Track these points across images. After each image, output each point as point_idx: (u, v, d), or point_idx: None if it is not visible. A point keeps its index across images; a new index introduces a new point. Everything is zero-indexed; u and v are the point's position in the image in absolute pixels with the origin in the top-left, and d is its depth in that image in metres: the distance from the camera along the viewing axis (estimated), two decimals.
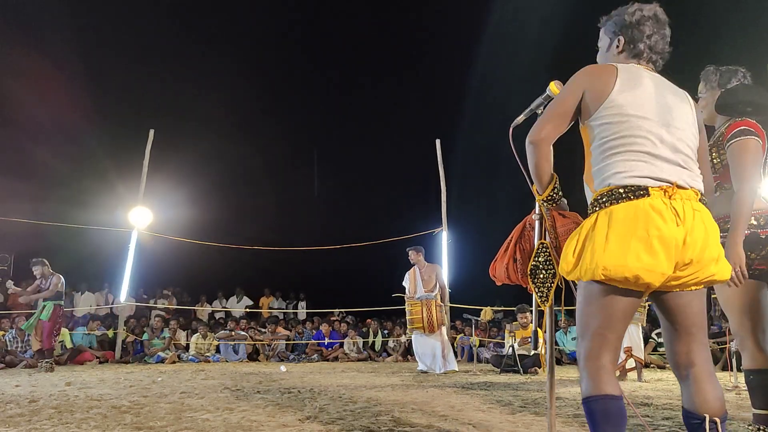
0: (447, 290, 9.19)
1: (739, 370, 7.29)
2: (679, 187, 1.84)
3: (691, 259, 1.80)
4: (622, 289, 1.82)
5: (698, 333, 1.92)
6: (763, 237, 2.60)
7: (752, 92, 2.81)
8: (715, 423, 1.80)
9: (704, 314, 1.93)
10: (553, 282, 2.26)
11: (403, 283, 8.74)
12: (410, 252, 8.74)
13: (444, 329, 8.56)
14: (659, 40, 2.08)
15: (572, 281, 2.07)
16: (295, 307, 15.52)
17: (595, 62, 2.23)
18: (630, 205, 1.82)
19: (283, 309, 15.26)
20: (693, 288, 1.89)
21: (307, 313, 14.63)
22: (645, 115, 1.90)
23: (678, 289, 1.89)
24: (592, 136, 1.98)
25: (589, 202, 2.01)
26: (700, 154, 2.05)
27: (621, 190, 1.84)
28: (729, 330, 8.11)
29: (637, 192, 1.82)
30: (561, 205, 2.21)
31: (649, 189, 1.82)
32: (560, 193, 2.15)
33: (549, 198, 2.13)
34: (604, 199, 1.88)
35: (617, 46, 2.12)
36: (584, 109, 1.97)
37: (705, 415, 1.82)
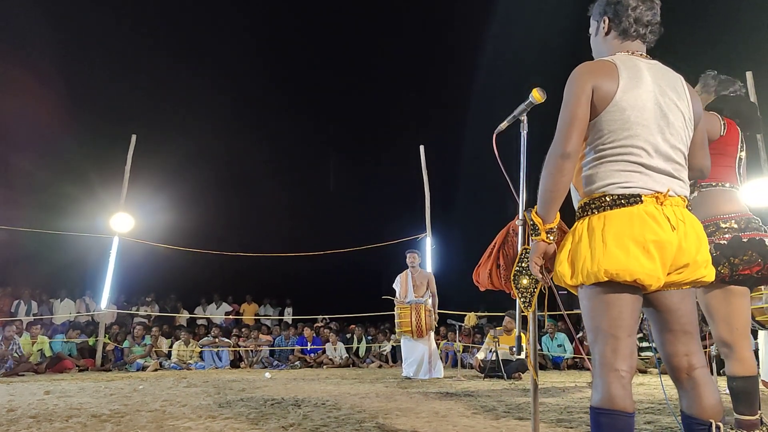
0: (437, 298, 9.14)
1: (719, 374, 7.37)
2: (670, 195, 1.86)
3: (687, 263, 1.83)
4: (625, 286, 1.80)
5: (695, 333, 1.90)
6: (745, 240, 2.58)
7: (744, 104, 2.89)
8: (719, 428, 1.80)
9: (696, 315, 1.92)
10: (536, 287, 2.24)
11: (394, 286, 8.74)
12: (409, 255, 8.76)
13: (432, 335, 8.55)
14: (645, 11, 2.01)
15: (554, 286, 2.05)
16: (282, 313, 15.45)
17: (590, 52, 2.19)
18: (624, 211, 1.82)
19: (269, 315, 15.17)
20: (684, 287, 1.91)
21: (291, 319, 14.56)
22: (645, 123, 1.87)
23: (670, 289, 1.90)
24: (589, 136, 1.93)
25: (576, 205, 1.99)
26: (696, 143, 2.06)
27: (615, 197, 1.85)
28: (709, 334, 8.20)
29: (631, 199, 1.83)
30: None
31: (642, 196, 1.83)
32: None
33: (551, 230, 1.96)
34: (596, 205, 1.88)
35: (603, 28, 2.09)
36: (591, 108, 1.90)
37: (711, 420, 1.80)
